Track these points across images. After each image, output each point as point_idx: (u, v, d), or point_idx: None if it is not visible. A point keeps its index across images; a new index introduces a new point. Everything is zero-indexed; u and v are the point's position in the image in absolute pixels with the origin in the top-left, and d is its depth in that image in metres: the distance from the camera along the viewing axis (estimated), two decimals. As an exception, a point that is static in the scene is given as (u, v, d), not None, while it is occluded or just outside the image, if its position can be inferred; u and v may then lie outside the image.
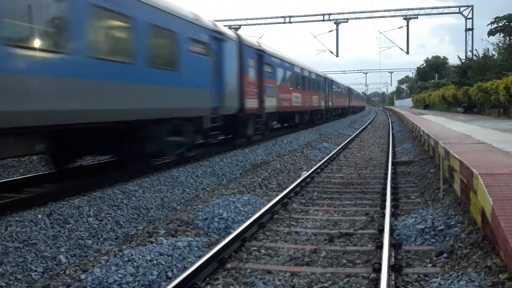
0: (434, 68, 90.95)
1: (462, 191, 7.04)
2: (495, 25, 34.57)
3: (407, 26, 42.17)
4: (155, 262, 4.99)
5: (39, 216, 6.42)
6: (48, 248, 5.67)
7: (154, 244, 5.59)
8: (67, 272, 5.08)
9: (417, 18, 42.41)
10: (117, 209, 7.54)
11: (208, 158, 13.19)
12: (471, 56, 40.69)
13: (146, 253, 5.16)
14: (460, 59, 41.75)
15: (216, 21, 14.47)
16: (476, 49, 41.80)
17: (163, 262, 5.02)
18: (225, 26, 15.79)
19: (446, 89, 43.10)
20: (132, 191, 8.49)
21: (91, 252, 5.91)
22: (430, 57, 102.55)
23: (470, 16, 42.05)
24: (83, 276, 4.65)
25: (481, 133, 12.42)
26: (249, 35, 16.97)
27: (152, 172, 10.52)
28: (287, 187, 9.35)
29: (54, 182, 9.30)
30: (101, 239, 6.37)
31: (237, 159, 13.47)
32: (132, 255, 5.06)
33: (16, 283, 4.81)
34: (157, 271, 4.82)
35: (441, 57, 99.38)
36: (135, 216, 7.52)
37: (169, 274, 4.86)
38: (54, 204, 7.11)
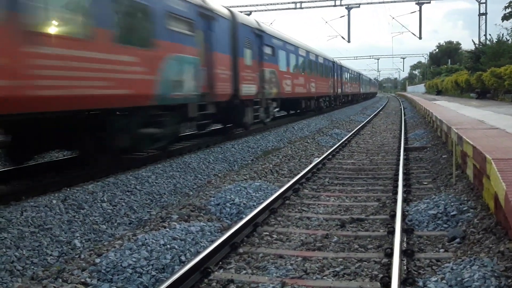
0: (447, 53, 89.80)
1: (475, 176, 7.01)
2: (509, 9, 34.01)
3: (420, 11, 41.60)
4: (168, 246, 5.04)
5: (54, 201, 6.51)
6: (63, 232, 5.76)
7: (167, 229, 5.65)
8: (82, 256, 5.16)
9: (429, 2, 41.73)
10: (131, 194, 7.61)
11: (219, 144, 13.24)
12: (484, 41, 40.11)
13: (159, 237, 5.23)
14: (475, 44, 41.17)
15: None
16: (490, 34, 41.25)
17: (176, 247, 5.08)
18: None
19: (459, 75, 42.59)
20: (145, 177, 8.56)
21: (106, 236, 5.99)
22: (443, 42, 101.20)
23: (483, 0, 41.36)
24: (97, 260, 4.71)
25: (495, 118, 12.30)
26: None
27: (164, 159, 10.60)
28: (299, 173, 9.36)
29: (68, 168, 9.41)
30: (115, 224, 6.45)
31: (249, 146, 13.49)
32: (145, 239, 5.12)
33: (32, 267, 4.89)
34: (170, 255, 4.88)
35: (454, 42, 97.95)
36: (148, 201, 7.59)
37: (182, 258, 4.92)
38: (68, 189, 7.21)
